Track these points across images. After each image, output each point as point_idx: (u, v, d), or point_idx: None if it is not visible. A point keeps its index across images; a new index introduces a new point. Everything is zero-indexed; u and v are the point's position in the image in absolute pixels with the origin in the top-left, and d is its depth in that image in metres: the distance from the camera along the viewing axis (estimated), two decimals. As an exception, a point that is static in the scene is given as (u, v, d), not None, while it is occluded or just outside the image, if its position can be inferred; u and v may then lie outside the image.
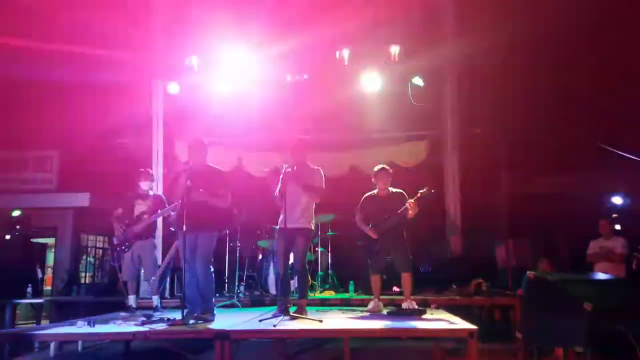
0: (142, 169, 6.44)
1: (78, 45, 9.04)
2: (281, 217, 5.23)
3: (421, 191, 5.69)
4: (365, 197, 6.06)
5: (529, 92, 9.16)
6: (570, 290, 4.36)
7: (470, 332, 4.33)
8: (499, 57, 8.11)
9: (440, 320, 5.02)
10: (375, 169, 6.05)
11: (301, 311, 5.25)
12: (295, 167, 5.31)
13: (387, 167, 6.05)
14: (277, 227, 5.43)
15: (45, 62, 9.08)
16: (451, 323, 4.82)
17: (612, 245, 6.98)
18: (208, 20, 9.22)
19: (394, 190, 5.96)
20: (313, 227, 5.48)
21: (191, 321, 4.82)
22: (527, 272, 4.80)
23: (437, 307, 6.22)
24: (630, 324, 4.12)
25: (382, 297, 6.05)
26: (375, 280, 5.95)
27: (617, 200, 9.97)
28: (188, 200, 4.88)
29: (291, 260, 5.65)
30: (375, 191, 6.02)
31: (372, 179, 6.03)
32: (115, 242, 6.06)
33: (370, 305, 5.89)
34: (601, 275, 5.13)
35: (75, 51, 8.96)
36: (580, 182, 10.97)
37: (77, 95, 10.02)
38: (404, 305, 5.74)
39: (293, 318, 4.98)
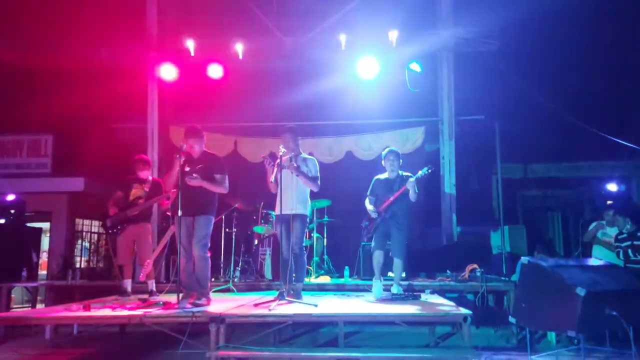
0: (139, 157, 6.30)
1: (75, 30, 8.96)
2: (277, 203, 5.22)
3: (420, 172, 5.65)
4: (376, 179, 5.99)
5: (525, 78, 9.15)
6: (563, 275, 4.39)
7: (464, 317, 4.37)
8: (495, 43, 8.08)
9: (434, 305, 5.05)
10: (383, 153, 5.96)
11: (297, 295, 5.28)
12: (289, 155, 5.28)
13: (395, 150, 5.96)
14: (274, 213, 5.42)
15: (40, 46, 8.99)
16: (446, 308, 4.85)
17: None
18: (204, 6, 9.15)
19: (405, 173, 5.88)
20: (308, 213, 5.48)
21: (187, 305, 4.83)
22: (522, 257, 4.83)
23: (432, 292, 6.26)
24: (623, 309, 4.16)
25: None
26: (378, 255, 5.79)
27: (612, 187, 9.99)
28: (184, 184, 4.86)
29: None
30: (386, 174, 5.93)
31: (382, 162, 5.94)
32: (108, 224, 6.04)
33: (376, 287, 5.80)
34: (594, 261, 5.15)
35: (71, 35, 8.87)
36: (575, 169, 11.02)
37: (73, 79, 9.95)
38: (393, 290, 5.76)
39: (289, 302, 5.01)
